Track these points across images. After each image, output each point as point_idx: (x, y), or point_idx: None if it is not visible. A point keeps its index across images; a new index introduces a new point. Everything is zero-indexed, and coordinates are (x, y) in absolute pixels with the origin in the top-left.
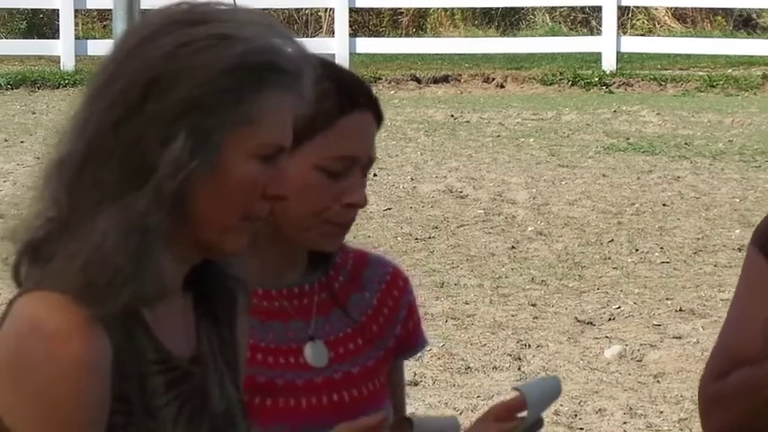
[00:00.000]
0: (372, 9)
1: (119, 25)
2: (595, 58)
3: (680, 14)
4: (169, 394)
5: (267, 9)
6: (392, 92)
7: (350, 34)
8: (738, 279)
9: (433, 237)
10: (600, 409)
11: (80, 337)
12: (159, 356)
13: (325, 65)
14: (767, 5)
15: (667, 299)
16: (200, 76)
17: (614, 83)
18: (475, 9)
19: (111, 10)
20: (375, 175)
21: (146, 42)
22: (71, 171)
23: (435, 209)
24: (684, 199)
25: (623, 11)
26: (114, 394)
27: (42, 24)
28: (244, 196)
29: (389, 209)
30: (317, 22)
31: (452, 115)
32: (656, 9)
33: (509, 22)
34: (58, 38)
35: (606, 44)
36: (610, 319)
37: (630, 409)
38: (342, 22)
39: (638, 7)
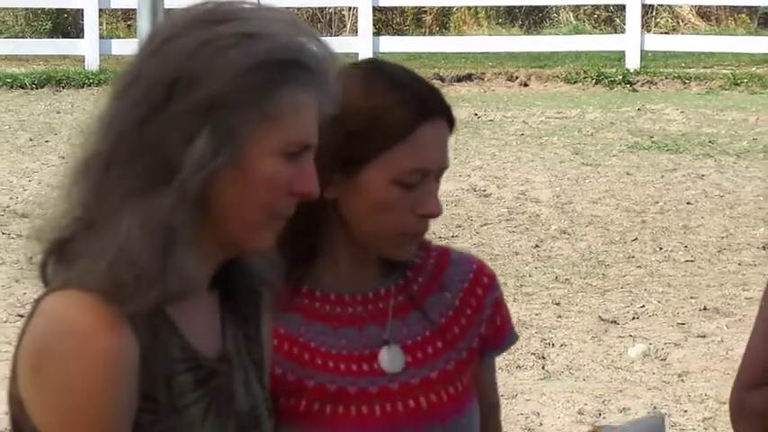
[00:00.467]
0: (396, 8)
1: (143, 24)
2: (619, 56)
3: (704, 12)
4: (196, 393)
5: (291, 8)
6: None
7: (373, 33)
8: (766, 285)
9: (457, 235)
10: (624, 408)
11: (108, 335)
12: (186, 355)
13: (397, 70)
14: None
15: (691, 297)
16: (224, 74)
17: (638, 81)
18: (498, 7)
19: (135, 9)
20: None
21: (170, 41)
22: (97, 171)
23: (459, 207)
24: (709, 197)
25: (647, 9)
26: (141, 392)
27: (67, 24)
28: (268, 194)
29: None
30: (340, 20)
31: (476, 114)
32: (680, 7)
33: (533, 20)
34: (83, 37)
35: (630, 42)
36: (634, 318)
37: (654, 407)
38: (365, 21)
39: (662, 5)
